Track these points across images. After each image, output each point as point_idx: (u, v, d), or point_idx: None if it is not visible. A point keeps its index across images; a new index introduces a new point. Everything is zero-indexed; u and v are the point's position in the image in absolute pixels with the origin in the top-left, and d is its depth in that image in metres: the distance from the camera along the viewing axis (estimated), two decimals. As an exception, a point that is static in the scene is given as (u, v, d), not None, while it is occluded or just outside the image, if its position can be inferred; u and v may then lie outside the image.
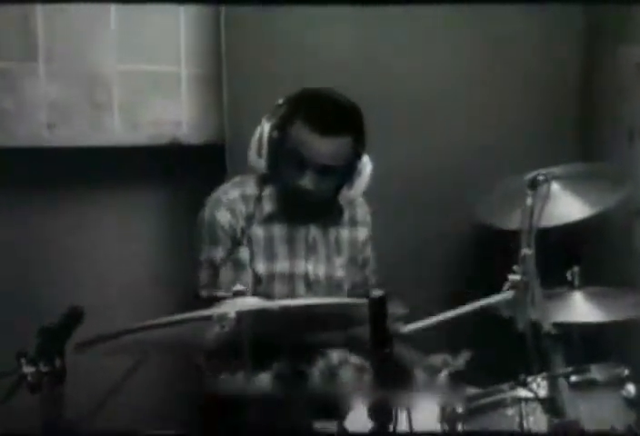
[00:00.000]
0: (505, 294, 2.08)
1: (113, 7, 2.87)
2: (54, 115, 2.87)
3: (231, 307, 1.87)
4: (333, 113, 2.31)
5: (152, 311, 2.10)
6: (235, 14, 2.80)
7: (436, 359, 2.33)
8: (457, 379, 2.29)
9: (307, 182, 2.30)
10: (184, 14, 2.94)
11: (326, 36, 2.87)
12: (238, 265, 2.37)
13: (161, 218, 3.04)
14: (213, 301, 2.27)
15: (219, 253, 2.35)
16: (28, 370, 1.67)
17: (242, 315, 1.84)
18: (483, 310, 2.15)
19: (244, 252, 2.37)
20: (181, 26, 2.94)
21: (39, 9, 2.81)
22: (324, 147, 2.28)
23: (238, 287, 1.92)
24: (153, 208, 3.04)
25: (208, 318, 1.85)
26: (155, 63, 2.95)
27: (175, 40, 2.95)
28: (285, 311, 1.87)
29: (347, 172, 2.36)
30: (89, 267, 2.95)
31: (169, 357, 2.55)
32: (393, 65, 2.92)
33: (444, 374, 2.27)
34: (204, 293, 2.35)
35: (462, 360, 2.31)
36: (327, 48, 2.86)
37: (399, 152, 2.76)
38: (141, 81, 2.93)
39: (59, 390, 1.70)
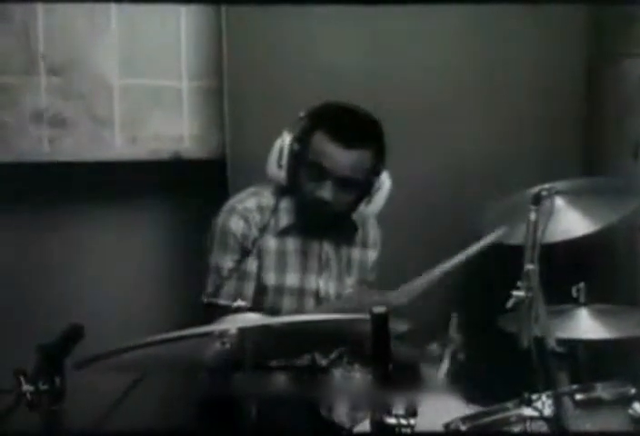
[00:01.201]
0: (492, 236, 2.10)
1: (114, 21, 2.88)
2: (54, 130, 2.87)
3: (232, 323, 1.85)
4: (355, 125, 2.33)
5: (152, 327, 2.09)
6: (237, 27, 2.80)
7: (434, 346, 2.35)
8: (459, 359, 2.30)
9: (326, 193, 2.30)
10: (185, 28, 2.94)
11: (328, 50, 2.87)
12: (243, 276, 2.36)
13: (162, 232, 3.04)
14: (215, 308, 2.29)
15: (227, 261, 2.34)
16: (27, 388, 1.65)
17: (243, 331, 1.82)
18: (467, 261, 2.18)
19: (251, 263, 2.36)
20: (182, 40, 2.95)
21: (40, 23, 2.81)
22: (344, 159, 2.29)
23: (239, 303, 1.91)
24: (153, 222, 3.03)
25: (209, 334, 1.84)
26: (156, 77, 2.95)
27: (176, 54, 2.95)
28: (287, 326, 1.85)
29: (366, 187, 2.36)
30: (88, 283, 2.95)
31: (170, 373, 2.53)
32: (394, 81, 2.91)
33: (446, 362, 2.28)
34: (206, 300, 2.34)
35: (454, 328, 2.31)
36: (329, 62, 2.85)
37: (400, 165, 2.75)
38: (142, 95, 2.93)
39: (58, 407, 1.69)
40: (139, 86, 2.92)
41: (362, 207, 2.39)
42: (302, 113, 2.35)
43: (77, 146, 2.89)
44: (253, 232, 2.35)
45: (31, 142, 2.85)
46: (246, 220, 2.36)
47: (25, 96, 2.83)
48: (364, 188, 2.36)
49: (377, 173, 2.36)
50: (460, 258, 2.22)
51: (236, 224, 2.36)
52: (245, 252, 2.34)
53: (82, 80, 2.87)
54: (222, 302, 2.31)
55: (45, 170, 2.84)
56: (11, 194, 2.83)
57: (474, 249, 2.22)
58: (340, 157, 2.28)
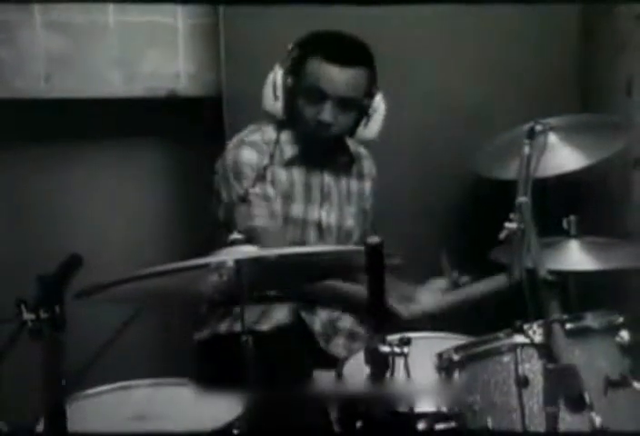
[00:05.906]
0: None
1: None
2: (51, 67, 2.87)
3: (228, 255, 1.87)
4: (346, 46, 2.39)
5: (152, 259, 2.11)
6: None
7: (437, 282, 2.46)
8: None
9: (327, 115, 2.35)
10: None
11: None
12: (266, 199, 2.39)
13: (158, 170, 3.06)
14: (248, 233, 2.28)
15: (247, 189, 2.36)
16: (28, 316, 1.67)
17: (240, 263, 1.85)
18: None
19: (269, 188, 2.40)
20: (178, -23, 2.94)
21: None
22: (341, 77, 2.34)
23: (235, 235, 1.92)
24: (150, 160, 3.05)
25: (206, 266, 1.86)
26: (152, 15, 2.93)
27: (171, -9, 2.94)
28: (284, 258, 1.88)
29: (363, 109, 2.40)
30: (87, 217, 2.98)
31: (168, 305, 2.56)
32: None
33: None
34: (241, 227, 2.28)
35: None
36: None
37: (400, 107, 2.75)
38: (138, 32, 2.93)
39: (59, 337, 1.71)
40: (135, 24, 2.92)
41: (360, 130, 2.43)
42: (290, 45, 2.39)
43: (73, 84, 2.89)
44: (265, 160, 2.38)
45: (27, 79, 2.86)
46: (258, 150, 2.40)
47: (21, 33, 2.83)
48: (361, 110, 2.40)
49: (372, 95, 2.41)
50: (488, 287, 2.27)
51: (249, 154, 2.39)
52: (260, 179, 2.37)
53: (78, 17, 2.86)
54: (254, 224, 2.34)
55: (41, 107, 2.85)
56: (7, 131, 2.84)
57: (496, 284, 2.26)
58: (336, 76, 2.34)
